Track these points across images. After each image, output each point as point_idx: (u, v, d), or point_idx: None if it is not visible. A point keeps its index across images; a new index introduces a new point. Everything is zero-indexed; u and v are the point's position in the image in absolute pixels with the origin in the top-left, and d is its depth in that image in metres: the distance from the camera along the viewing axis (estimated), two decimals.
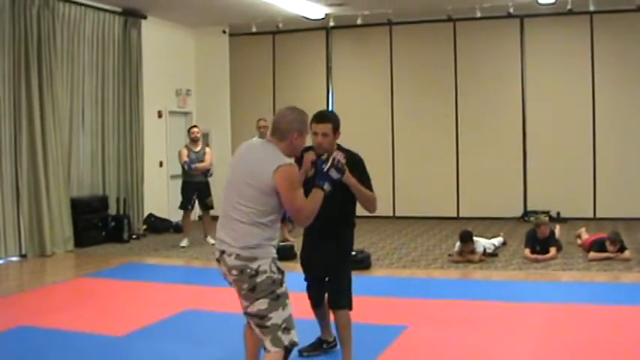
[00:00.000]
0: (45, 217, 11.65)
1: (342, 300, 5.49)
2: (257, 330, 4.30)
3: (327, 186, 4.48)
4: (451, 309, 7.55)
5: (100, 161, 13.37)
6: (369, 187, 5.44)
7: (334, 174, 4.57)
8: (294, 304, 4.40)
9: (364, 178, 5.40)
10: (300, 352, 5.84)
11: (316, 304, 5.76)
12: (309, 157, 5.18)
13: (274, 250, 4.35)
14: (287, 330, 4.24)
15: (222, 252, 4.31)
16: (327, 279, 5.56)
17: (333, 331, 5.84)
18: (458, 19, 15.05)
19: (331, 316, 5.72)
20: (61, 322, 7.18)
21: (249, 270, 4.20)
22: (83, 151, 13.04)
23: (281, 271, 4.32)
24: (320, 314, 5.87)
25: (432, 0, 14.10)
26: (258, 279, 4.20)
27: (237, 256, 4.22)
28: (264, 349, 4.29)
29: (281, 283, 4.29)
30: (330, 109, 15.82)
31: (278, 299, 4.25)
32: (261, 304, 4.22)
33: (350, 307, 5.51)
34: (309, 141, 4.82)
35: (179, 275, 10.27)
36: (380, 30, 15.78)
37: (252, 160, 4.37)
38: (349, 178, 5.13)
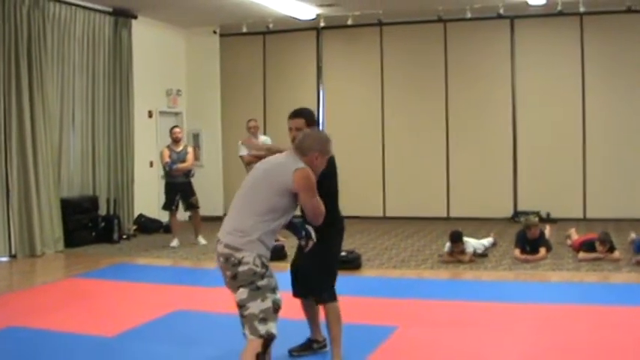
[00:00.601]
0: (35, 217, 11.63)
1: (321, 292, 5.58)
2: (240, 318, 4.46)
3: None
4: (441, 309, 7.56)
5: (90, 161, 13.33)
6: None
7: None
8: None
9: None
10: (290, 352, 5.87)
11: (302, 300, 5.80)
12: None
13: (265, 249, 4.49)
14: (264, 320, 4.38)
15: (218, 239, 4.53)
16: (310, 276, 5.61)
17: (324, 332, 5.86)
18: (448, 19, 15.08)
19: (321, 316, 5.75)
20: (51, 322, 7.17)
21: (233, 259, 4.41)
22: (73, 151, 13.01)
23: (265, 267, 4.47)
24: (309, 313, 5.89)
25: (423, 1, 14.10)
26: (240, 268, 4.39)
27: (226, 245, 4.44)
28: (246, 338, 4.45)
29: (263, 276, 4.43)
30: (320, 109, 15.87)
31: (258, 290, 4.40)
32: (242, 294, 4.41)
33: (334, 299, 5.58)
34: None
35: (169, 275, 10.26)
36: (370, 30, 15.81)
37: (274, 163, 4.71)
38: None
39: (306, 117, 5.60)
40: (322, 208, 4.64)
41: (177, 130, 12.51)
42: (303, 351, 5.94)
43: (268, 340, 4.41)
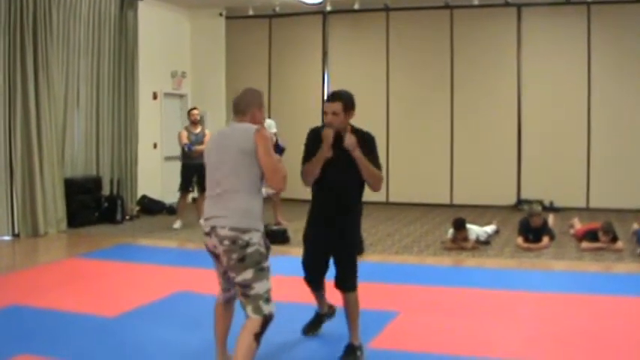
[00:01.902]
0: (38, 197, 11.63)
1: (350, 281, 5.49)
2: (241, 298, 4.55)
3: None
4: (443, 296, 7.57)
5: (94, 142, 13.34)
6: (377, 166, 5.44)
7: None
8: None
9: (372, 156, 5.40)
10: (305, 333, 5.96)
11: (315, 285, 5.74)
12: (328, 132, 5.26)
13: (262, 226, 4.65)
14: (268, 301, 4.53)
15: (214, 227, 4.56)
16: (335, 260, 5.53)
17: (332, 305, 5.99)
18: (455, 6, 15.05)
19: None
20: (52, 301, 7.19)
21: (240, 241, 4.47)
22: (78, 131, 13.01)
23: (267, 247, 4.63)
24: (319, 292, 5.89)
25: None
26: (248, 250, 4.48)
27: (232, 228, 4.47)
28: (246, 315, 4.52)
29: (266, 257, 4.58)
30: (324, 93, 15.81)
31: (262, 271, 4.53)
32: (247, 274, 4.49)
33: (356, 287, 5.54)
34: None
35: (172, 257, 10.25)
36: (377, 15, 15.76)
37: (229, 135, 4.74)
38: (355, 150, 5.21)
39: (343, 100, 5.33)
40: (284, 169, 4.64)
41: (195, 112, 12.57)
42: (315, 328, 6.01)
43: (269, 319, 4.51)
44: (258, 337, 4.45)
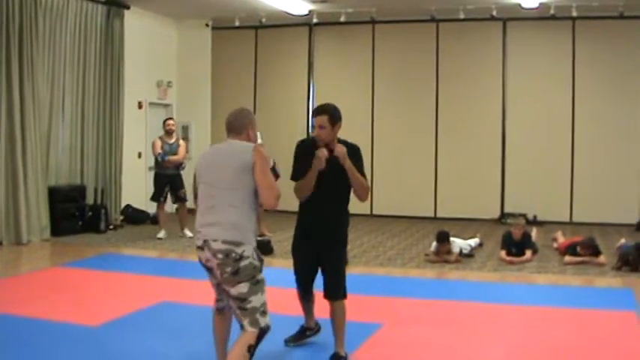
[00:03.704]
0: (22, 205, 11.59)
1: (340, 290, 5.61)
2: (237, 312, 4.56)
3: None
4: (426, 308, 7.59)
5: (78, 151, 13.29)
6: (363, 175, 5.58)
7: None
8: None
9: (359, 165, 5.56)
10: (286, 342, 5.98)
11: (305, 294, 5.86)
12: (322, 153, 5.37)
13: (255, 240, 4.67)
14: (264, 313, 4.55)
15: (206, 240, 4.58)
16: (323, 269, 5.65)
17: (316, 318, 6.04)
18: (441, 19, 15.09)
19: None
20: (35, 311, 7.14)
21: (234, 254, 4.49)
22: (62, 140, 12.96)
23: (261, 260, 4.64)
24: (308, 304, 5.99)
25: (416, 0, 14.13)
26: (242, 263, 4.49)
27: (225, 241, 4.50)
28: (242, 328, 4.54)
29: (260, 270, 4.59)
30: (310, 105, 15.82)
31: (257, 284, 4.55)
32: (243, 288, 4.50)
33: (346, 296, 5.65)
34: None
35: (155, 267, 10.24)
36: (363, 28, 15.80)
37: (227, 151, 4.78)
38: (346, 161, 5.36)
39: (330, 113, 5.55)
40: (278, 189, 4.63)
41: (171, 122, 12.54)
42: (298, 340, 6.06)
43: (265, 332, 4.55)
44: (251, 349, 4.48)
